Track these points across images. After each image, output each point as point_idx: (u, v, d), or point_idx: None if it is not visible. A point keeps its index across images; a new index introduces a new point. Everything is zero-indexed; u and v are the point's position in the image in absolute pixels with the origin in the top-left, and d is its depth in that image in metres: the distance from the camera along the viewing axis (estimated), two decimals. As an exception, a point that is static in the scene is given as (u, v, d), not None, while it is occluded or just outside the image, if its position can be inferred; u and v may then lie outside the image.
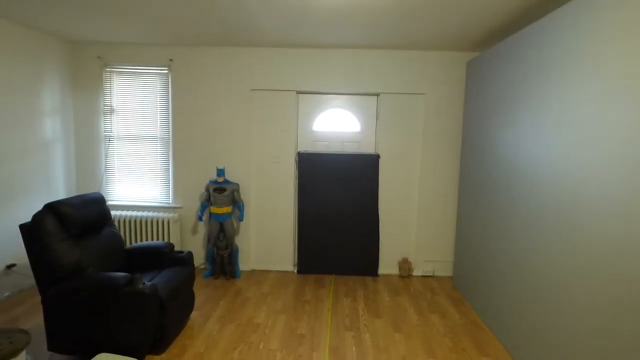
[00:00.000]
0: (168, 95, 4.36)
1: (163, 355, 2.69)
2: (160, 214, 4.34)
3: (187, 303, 3.09)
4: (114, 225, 3.18)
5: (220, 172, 4.14)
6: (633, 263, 1.76)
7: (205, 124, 4.36)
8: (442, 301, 3.72)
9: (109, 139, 4.45)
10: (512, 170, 2.89)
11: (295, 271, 4.45)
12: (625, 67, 1.85)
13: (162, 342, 2.68)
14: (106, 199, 4.43)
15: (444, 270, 4.43)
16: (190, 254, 3.24)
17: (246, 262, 4.46)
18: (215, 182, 4.17)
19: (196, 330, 3.04)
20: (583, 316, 2.07)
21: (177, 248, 4.35)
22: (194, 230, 4.49)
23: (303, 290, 3.91)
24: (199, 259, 4.49)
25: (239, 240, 4.43)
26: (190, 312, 3.18)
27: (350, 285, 4.09)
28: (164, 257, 3.16)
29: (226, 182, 4.19)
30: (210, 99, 4.34)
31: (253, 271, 4.44)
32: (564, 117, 2.29)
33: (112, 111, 4.42)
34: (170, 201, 4.49)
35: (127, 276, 2.51)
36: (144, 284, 2.54)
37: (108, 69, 4.37)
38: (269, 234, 4.47)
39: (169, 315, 2.71)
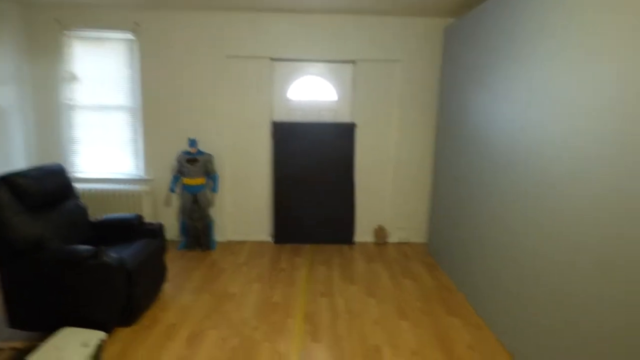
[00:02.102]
0: (135, 63, 4.14)
1: (134, 327, 2.67)
2: (132, 187, 4.21)
3: (158, 275, 3.04)
4: (78, 197, 3.06)
5: (193, 143, 4.02)
6: (606, 227, 1.79)
7: (177, 93, 4.18)
8: (416, 267, 3.78)
9: (73, 108, 4.23)
10: (487, 138, 2.89)
11: (272, 241, 4.44)
12: (606, 35, 1.82)
13: (131, 314, 2.64)
14: (73, 171, 4.28)
15: (419, 237, 4.49)
16: (160, 225, 3.16)
17: (222, 233, 4.42)
18: (188, 152, 4.05)
19: (169, 302, 3.02)
20: (552, 279, 2.12)
21: (150, 221, 4.26)
22: (168, 203, 4.40)
23: (279, 260, 3.91)
24: (174, 232, 4.42)
25: (214, 212, 4.36)
26: (162, 284, 3.14)
27: (327, 253, 4.11)
28: (133, 229, 3.08)
29: (199, 152, 4.07)
30: (181, 66, 4.14)
31: (229, 242, 4.40)
32: (540, 86, 2.26)
33: (74, 79, 4.18)
34: (142, 173, 4.35)
35: (91, 249, 2.43)
36: (108, 256, 2.47)
37: (68, 34, 4.09)
38: (245, 205, 4.42)
39: (137, 287, 2.66)
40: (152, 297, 2.97)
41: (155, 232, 3.10)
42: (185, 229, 4.16)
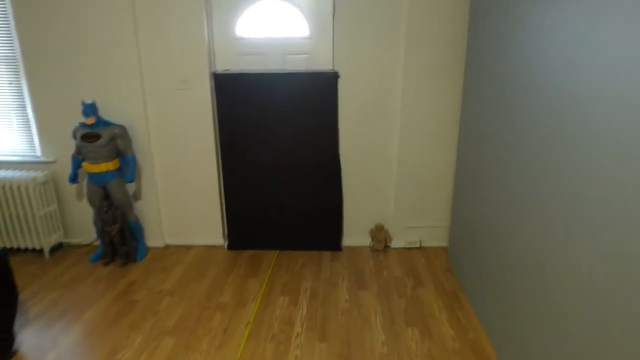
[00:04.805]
0: (-5, -15, 2.71)
1: None
2: (19, 174, 2.93)
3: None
4: None
5: (89, 109, 2.65)
6: None
7: (70, 34, 2.76)
8: (429, 298, 2.44)
9: None
10: (543, 92, 1.40)
11: (226, 246, 3.16)
12: None
13: None
14: None
15: (437, 238, 3.11)
16: (-2, 255, 1.90)
17: (157, 235, 3.16)
18: (83, 124, 2.70)
19: (7, 386, 1.82)
20: None
21: (53, 222, 3.03)
22: (80, 194, 3.13)
23: (224, 282, 2.64)
24: (89, 235, 3.19)
25: (143, 207, 3.08)
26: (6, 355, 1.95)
27: (297, 269, 2.81)
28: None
29: (101, 123, 2.72)
30: (67, -11, 2.69)
31: (167, 247, 3.15)
32: None
33: None
34: (38, 153, 3.06)
35: None
36: None
37: None
38: (187, 197, 3.10)
39: None
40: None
41: (-17, 268, 1.84)
42: (99, 234, 2.92)
